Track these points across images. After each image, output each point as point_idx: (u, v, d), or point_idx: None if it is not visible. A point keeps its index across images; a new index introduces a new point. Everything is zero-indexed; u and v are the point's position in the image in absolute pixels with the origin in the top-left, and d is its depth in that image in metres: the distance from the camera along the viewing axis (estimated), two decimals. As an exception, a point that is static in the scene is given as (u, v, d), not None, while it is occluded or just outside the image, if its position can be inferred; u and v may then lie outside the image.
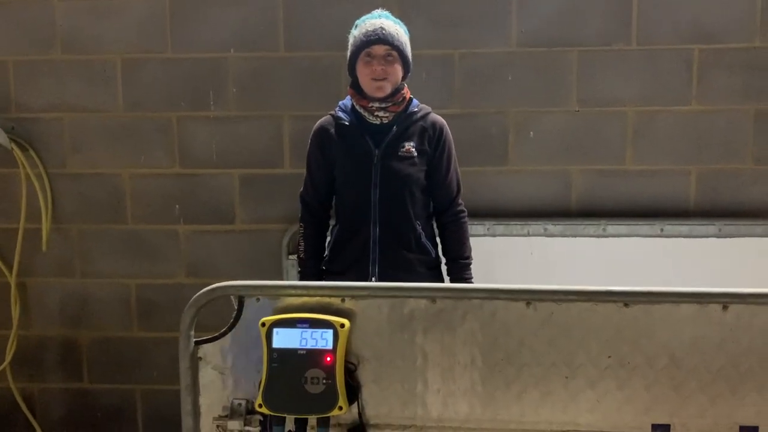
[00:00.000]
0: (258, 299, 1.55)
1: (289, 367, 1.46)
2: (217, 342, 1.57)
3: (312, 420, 1.49)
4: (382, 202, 2.17)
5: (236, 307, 1.57)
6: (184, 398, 1.57)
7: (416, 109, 2.23)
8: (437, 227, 2.31)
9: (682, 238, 2.65)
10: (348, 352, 1.50)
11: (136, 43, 2.80)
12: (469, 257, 2.29)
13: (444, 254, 2.31)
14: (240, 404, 1.56)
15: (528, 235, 2.65)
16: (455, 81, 2.75)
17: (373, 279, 2.20)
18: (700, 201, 2.76)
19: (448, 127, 2.28)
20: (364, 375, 1.53)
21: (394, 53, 2.15)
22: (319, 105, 2.76)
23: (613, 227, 2.68)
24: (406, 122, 2.20)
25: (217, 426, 1.56)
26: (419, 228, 2.22)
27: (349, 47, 2.20)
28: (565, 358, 1.48)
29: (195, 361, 1.57)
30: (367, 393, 1.53)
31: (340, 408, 1.45)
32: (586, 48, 2.72)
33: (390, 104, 2.17)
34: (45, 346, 2.98)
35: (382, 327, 1.52)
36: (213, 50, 2.79)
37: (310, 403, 1.45)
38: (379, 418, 1.54)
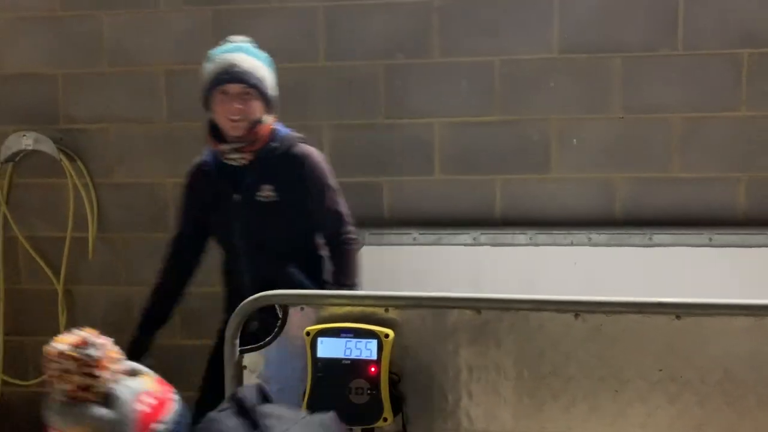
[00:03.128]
0: (302, 308, 1.56)
1: (333, 376, 1.45)
2: (261, 351, 1.57)
3: (356, 431, 1.48)
4: (249, 251, 2.06)
5: (280, 316, 1.58)
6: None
7: (276, 144, 2.05)
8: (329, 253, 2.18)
9: (733, 248, 2.57)
10: (391, 362, 1.49)
11: (180, 55, 2.86)
12: (352, 285, 2.09)
13: (330, 278, 2.16)
14: (285, 414, 1.56)
15: (571, 244, 2.60)
16: (496, 88, 2.73)
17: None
18: (750, 209, 2.68)
19: (316, 155, 2.12)
20: (408, 386, 1.52)
21: (252, 91, 2.01)
22: (357, 114, 2.79)
23: (659, 236, 2.61)
24: (265, 161, 2.04)
25: (262, 435, 1.56)
26: (296, 272, 2.08)
27: (202, 82, 2.04)
28: (613, 371, 1.44)
29: (240, 370, 1.58)
30: (410, 404, 1.52)
31: (385, 419, 1.44)
32: (630, 54, 2.68)
33: (243, 145, 2.01)
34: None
35: (426, 338, 1.51)
36: (254, 61, 2.82)
37: (354, 413, 1.44)
38: (423, 430, 1.52)
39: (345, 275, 2.10)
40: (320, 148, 2.82)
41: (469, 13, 2.71)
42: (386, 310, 1.52)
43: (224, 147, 2.01)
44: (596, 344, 1.44)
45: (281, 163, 2.04)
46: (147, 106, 2.90)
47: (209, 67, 2.02)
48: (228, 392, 1.57)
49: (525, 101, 2.72)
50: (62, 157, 2.87)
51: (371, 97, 2.76)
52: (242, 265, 2.07)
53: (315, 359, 1.47)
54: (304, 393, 1.49)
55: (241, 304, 1.57)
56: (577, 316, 1.44)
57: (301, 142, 2.12)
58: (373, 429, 1.47)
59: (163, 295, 2.22)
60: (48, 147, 2.80)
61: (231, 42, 2.08)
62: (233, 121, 1.97)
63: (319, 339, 1.48)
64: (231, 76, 1.96)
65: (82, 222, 2.94)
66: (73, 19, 2.87)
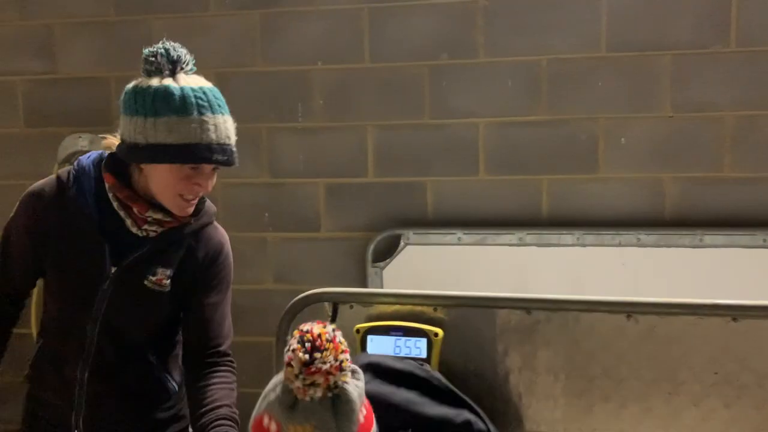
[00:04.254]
0: (351, 306, 1.58)
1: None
2: (312, 348, 1.60)
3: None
4: (101, 341, 1.49)
5: (330, 314, 1.60)
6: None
7: (192, 220, 1.51)
8: (192, 379, 1.57)
9: (788, 250, 2.50)
10: (440, 361, 1.50)
11: (229, 58, 2.91)
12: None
13: (203, 412, 1.50)
14: (334, 410, 1.58)
15: (620, 245, 2.56)
16: (542, 87, 2.71)
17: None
18: (806, 210, 2.60)
19: (229, 246, 1.63)
20: (456, 385, 1.52)
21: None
22: (401, 114, 2.80)
23: (710, 237, 2.55)
24: (168, 237, 1.49)
25: (311, 430, 1.59)
26: (157, 372, 1.59)
27: (152, 133, 1.37)
28: (667, 374, 1.43)
29: (290, 366, 1.61)
30: (459, 403, 1.53)
31: (435, 417, 1.45)
32: (681, 51, 2.62)
33: (175, 221, 1.48)
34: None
35: (475, 337, 1.52)
36: (301, 63, 2.86)
37: (404, 411, 1.45)
38: (472, 428, 1.53)
39: (234, 401, 1.57)
40: (364, 148, 2.88)
41: (515, 12, 2.70)
42: (435, 310, 1.53)
43: (158, 215, 1.46)
44: (649, 346, 1.42)
45: (188, 246, 1.53)
46: (197, 108, 2.96)
47: (186, 128, 1.36)
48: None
49: (572, 100, 2.69)
50: (116, 158, 2.95)
51: (416, 98, 2.77)
52: (87, 357, 1.50)
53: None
54: (354, 390, 1.52)
55: (293, 300, 1.60)
56: (629, 317, 1.43)
57: (213, 217, 1.60)
58: (422, 427, 1.48)
59: None
60: (100, 148, 2.89)
61: (184, 66, 1.43)
62: (188, 200, 1.45)
63: (369, 336, 1.50)
64: (227, 159, 1.41)
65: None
66: (125, 23, 2.96)
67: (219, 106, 1.43)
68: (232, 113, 3.03)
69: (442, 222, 2.78)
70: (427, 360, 1.46)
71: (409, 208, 2.82)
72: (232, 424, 1.49)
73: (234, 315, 3.02)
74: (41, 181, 1.54)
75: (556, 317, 1.46)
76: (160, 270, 1.50)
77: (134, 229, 1.47)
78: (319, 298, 1.58)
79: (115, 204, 1.46)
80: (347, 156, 2.88)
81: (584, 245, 2.56)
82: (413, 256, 2.72)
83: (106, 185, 1.47)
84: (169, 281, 1.51)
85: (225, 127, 1.42)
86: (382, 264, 2.78)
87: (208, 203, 1.59)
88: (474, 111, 2.74)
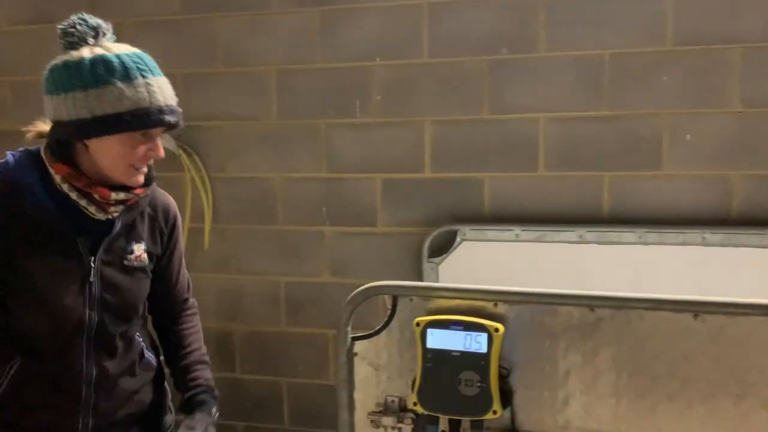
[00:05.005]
0: (411, 299, 1.60)
1: (443, 367, 1.48)
2: (372, 339, 1.63)
3: (465, 422, 1.51)
4: (100, 331, 1.48)
5: (390, 307, 1.62)
6: (340, 392, 1.64)
7: (147, 192, 1.52)
8: (164, 329, 1.71)
9: None
10: (500, 356, 1.50)
11: (290, 55, 2.97)
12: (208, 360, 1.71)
13: (180, 355, 1.68)
14: (393, 401, 1.61)
15: (683, 244, 2.50)
16: (604, 82, 2.66)
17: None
18: None
19: (175, 206, 1.64)
20: (517, 381, 1.53)
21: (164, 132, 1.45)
22: (460, 110, 2.80)
23: (779, 237, 2.46)
24: (131, 214, 1.50)
25: (371, 421, 1.62)
26: (140, 342, 1.61)
27: (97, 104, 1.33)
28: (736, 376, 1.39)
29: (351, 357, 1.64)
30: (519, 399, 1.53)
31: (494, 412, 1.45)
32: (751, 44, 2.53)
33: (136, 197, 1.47)
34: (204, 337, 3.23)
35: (537, 334, 1.51)
36: (359, 59, 2.89)
37: (464, 404, 1.46)
38: (531, 425, 1.53)
39: (202, 344, 1.73)
40: (421, 144, 2.88)
41: (577, 5, 2.66)
42: (495, 305, 1.53)
43: (121, 196, 1.43)
44: (717, 346, 1.39)
45: (148, 217, 1.56)
46: (258, 105, 3.03)
47: (132, 93, 1.34)
48: (340, 377, 1.64)
49: (635, 95, 2.63)
50: (181, 152, 3.06)
51: (474, 93, 2.77)
52: (90, 346, 1.48)
53: (425, 350, 1.50)
54: (413, 382, 1.54)
55: (354, 292, 1.63)
56: (696, 316, 1.39)
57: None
58: (481, 421, 1.49)
59: None
60: (169, 143, 2.98)
61: (105, 33, 1.41)
62: (139, 169, 1.43)
63: (429, 330, 1.51)
64: (176, 120, 1.40)
65: (199, 214, 3.12)
66: (191, 22, 3.05)
67: (156, 68, 1.41)
68: (292, 109, 3.11)
69: (499, 218, 2.77)
70: (487, 355, 1.46)
71: (466, 203, 2.82)
72: (207, 364, 1.70)
73: (291, 306, 3.13)
74: None
75: (620, 315, 1.44)
76: (135, 246, 1.51)
77: (100, 215, 1.43)
78: (380, 290, 1.60)
79: (73, 195, 1.39)
80: (404, 151, 2.90)
81: (646, 243, 2.50)
82: (469, 252, 2.72)
83: (57, 177, 1.39)
84: (146, 254, 1.53)
85: (168, 88, 1.41)
86: (437, 259, 2.79)
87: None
88: (534, 106, 2.71)
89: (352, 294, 1.62)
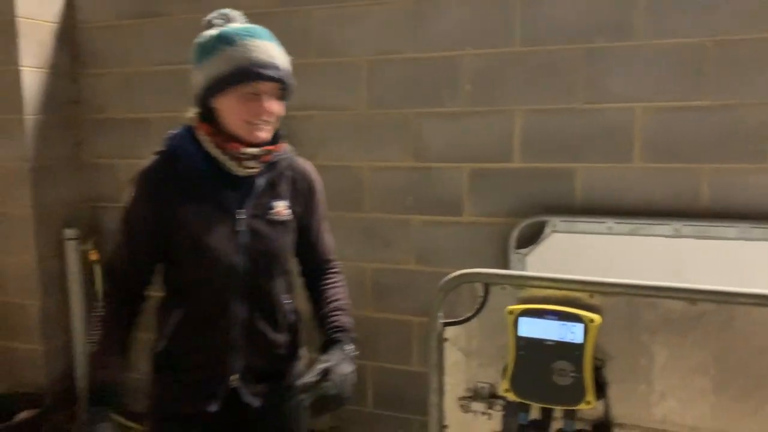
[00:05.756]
0: (503, 288, 1.60)
1: (536, 356, 1.48)
2: (463, 325, 1.64)
3: (557, 411, 1.50)
4: (248, 277, 1.64)
5: (482, 294, 1.63)
6: (430, 376, 1.67)
7: (285, 155, 1.72)
8: (311, 287, 1.85)
9: None
10: (596, 348, 1.49)
11: (381, 46, 3.01)
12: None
13: (322, 306, 1.79)
14: (483, 387, 1.62)
15: (791, 240, 2.37)
16: (706, 71, 2.55)
17: (234, 377, 1.68)
18: None
19: (316, 173, 1.82)
20: (611, 373, 1.51)
21: (280, 91, 1.62)
22: (552, 99, 2.75)
23: None
24: (273, 173, 1.68)
25: (461, 405, 1.64)
26: (286, 302, 1.76)
27: (217, 68, 1.55)
28: None
29: (441, 342, 1.66)
30: (613, 391, 1.50)
31: (588, 402, 1.44)
32: None
33: (267, 153, 1.64)
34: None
35: (634, 326, 1.48)
36: (450, 48, 2.90)
37: (557, 394, 1.46)
38: (625, 417, 1.50)
39: (346, 297, 1.83)
40: (511, 133, 2.86)
41: (678, -9, 2.56)
42: (591, 296, 1.51)
43: (252, 150, 1.60)
44: (831, 347, 1.32)
45: (290, 179, 1.73)
46: (349, 95, 3.09)
47: (231, 53, 1.55)
48: (431, 362, 1.67)
49: (740, 85, 2.51)
50: (274, 140, 3.16)
51: (568, 82, 2.71)
52: (241, 294, 1.65)
53: (517, 338, 1.51)
54: (505, 369, 1.54)
55: (446, 279, 1.65)
56: (808, 314, 1.33)
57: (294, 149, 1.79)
58: (574, 411, 1.48)
59: (112, 348, 1.62)
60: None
61: (235, 19, 1.64)
62: (257, 123, 1.59)
63: (522, 318, 1.51)
64: (272, 75, 1.56)
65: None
66: (287, 14, 3.14)
67: (266, 35, 1.60)
68: (381, 99, 3.15)
69: (591, 210, 2.71)
70: (582, 345, 1.45)
71: (557, 194, 2.78)
72: (346, 311, 1.79)
73: (377, 292, 3.18)
74: (145, 162, 1.65)
75: (724, 310, 1.40)
76: (277, 203, 1.68)
77: (240, 170, 1.61)
78: (474, 277, 1.61)
79: (215, 151, 1.60)
80: (493, 141, 2.88)
81: (749, 239, 2.39)
82: (559, 244, 2.69)
83: (204, 138, 1.61)
84: (288, 211, 1.70)
85: (271, 49, 1.58)
86: (524, 250, 2.77)
87: (286, 146, 1.73)
88: (631, 95, 2.64)
89: (445, 279, 1.64)
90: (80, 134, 3.62)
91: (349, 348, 1.73)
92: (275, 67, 1.57)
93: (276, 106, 1.62)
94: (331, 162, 3.16)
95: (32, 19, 3.34)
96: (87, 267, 3.56)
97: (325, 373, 1.59)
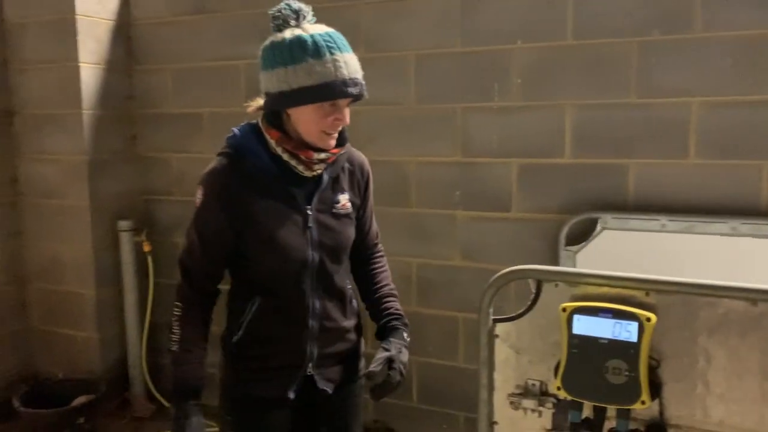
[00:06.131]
0: (556, 285, 1.58)
1: (589, 354, 1.47)
2: (514, 322, 1.63)
3: (610, 410, 1.48)
4: (319, 269, 1.71)
5: (533, 291, 1.62)
6: (481, 372, 1.67)
7: (344, 150, 1.76)
8: (359, 271, 1.91)
9: None
10: (651, 347, 1.46)
11: (430, 40, 3.00)
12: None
13: (373, 290, 1.87)
14: (534, 384, 1.61)
15: None
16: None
17: (310, 364, 1.75)
18: None
19: (369, 165, 1.87)
20: (667, 373, 1.48)
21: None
22: (604, 93, 2.70)
23: None
24: (334, 169, 1.74)
25: (511, 402, 1.63)
26: (349, 288, 1.83)
27: (301, 79, 1.54)
28: None
29: (492, 338, 1.66)
30: (668, 392, 1.48)
31: (643, 402, 1.42)
32: None
33: (334, 156, 1.70)
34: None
35: (690, 326, 1.45)
36: (500, 42, 2.87)
37: (610, 393, 1.44)
38: (681, 419, 1.47)
39: (391, 281, 1.92)
40: (561, 128, 2.82)
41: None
42: (647, 294, 1.49)
43: (322, 156, 1.65)
44: None
45: (348, 172, 1.78)
46: (396, 90, 3.09)
47: (322, 70, 1.54)
48: (481, 358, 1.67)
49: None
50: (322, 135, 3.18)
51: (621, 76, 2.66)
52: (312, 285, 1.71)
53: (570, 336, 1.49)
54: (557, 366, 1.53)
55: (497, 275, 1.64)
56: None
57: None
58: (628, 410, 1.46)
59: (193, 345, 1.69)
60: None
61: (306, 16, 1.64)
62: (330, 134, 1.64)
63: (576, 316, 1.49)
64: (359, 91, 1.58)
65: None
66: (336, 9, 3.15)
67: (345, 45, 1.61)
68: (429, 93, 3.14)
69: (644, 207, 2.65)
70: (637, 344, 1.42)
71: (608, 191, 2.73)
72: (396, 297, 1.88)
73: (422, 288, 3.18)
74: (212, 164, 1.67)
75: (788, 312, 1.35)
76: (340, 196, 1.74)
77: (307, 173, 1.67)
78: (525, 274, 1.60)
79: (285, 156, 1.64)
80: (543, 136, 2.85)
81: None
82: (610, 241, 2.64)
83: (272, 142, 1.64)
84: (349, 203, 1.76)
85: (353, 62, 1.60)
86: (574, 248, 2.73)
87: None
88: (686, 89, 2.57)
89: (496, 276, 1.63)
90: (134, 129, 3.72)
91: (406, 335, 1.81)
92: (360, 85, 1.59)
93: (344, 120, 1.64)
94: (378, 157, 3.16)
95: (90, 16, 3.45)
96: (140, 258, 3.66)
97: (390, 361, 1.68)
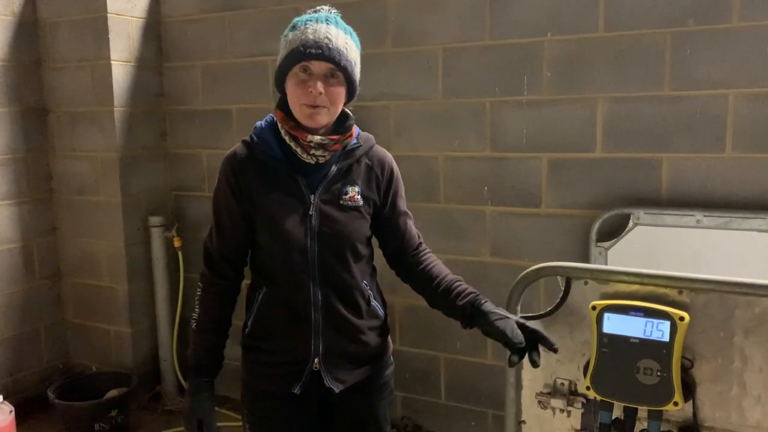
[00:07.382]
0: (586, 282, 1.55)
1: (620, 354, 1.43)
2: (542, 320, 1.60)
3: (641, 411, 1.45)
4: (321, 260, 1.65)
5: (563, 288, 1.58)
6: (508, 370, 1.64)
7: (359, 143, 1.71)
8: (411, 275, 1.81)
9: None
10: (684, 347, 1.42)
11: (457, 34, 2.97)
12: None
13: (436, 285, 1.75)
14: (563, 384, 1.58)
15: None
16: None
17: (317, 359, 1.68)
18: None
19: (395, 162, 1.79)
20: (701, 374, 1.44)
21: (340, 74, 1.58)
22: (637, 86, 2.64)
23: None
24: (347, 160, 1.69)
25: (539, 402, 1.61)
26: (367, 288, 1.75)
27: (281, 53, 1.61)
28: None
29: (520, 337, 1.62)
30: (702, 393, 1.44)
31: (676, 404, 1.38)
32: None
33: (333, 143, 1.63)
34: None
35: (726, 325, 1.41)
36: (529, 35, 2.82)
37: (642, 393, 1.41)
38: (716, 421, 1.43)
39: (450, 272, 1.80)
40: (593, 122, 2.76)
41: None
42: (680, 293, 1.44)
43: (317, 138, 1.60)
44: None
45: (365, 166, 1.72)
46: (424, 84, 3.06)
47: (290, 37, 1.59)
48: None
49: None
50: (349, 130, 3.17)
51: (654, 68, 2.59)
52: (314, 277, 1.66)
53: (600, 334, 1.46)
54: (586, 366, 1.50)
55: (526, 271, 1.61)
56: None
57: (373, 140, 1.79)
58: (660, 412, 1.42)
59: (210, 326, 1.75)
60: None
61: (322, 11, 1.64)
62: (312, 107, 1.58)
63: (606, 314, 1.46)
64: (322, 52, 1.54)
65: (364, 190, 3.23)
66: (363, 3, 3.14)
67: (322, 19, 1.59)
68: (457, 87, 3.09)
69: (678, 202, 2.59)
70: (670, 344, 1.38)
71: (641, 186, 2.67)
72: (463, 281, 1.76)
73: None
74: (232, 148, 1.72)
75: (830, 311, 1.30)
76: (349, 188, 1.68)
77: (304, 156, 1.63)
78: (554, 271, 1.57)
79: (286, 138, 1.63)
80: (574, 130, 2.79)
81: None
82: (643, 237, 2.58)
83: (279, 125, 1.65)
84: (360, 197, 1.69)
85: (324, 29, 1.57)
86: (606, 244, 2.68)
87: (365, 135, 1.75)
88: (723, 81, 2.49)
89: (525, 272, 1.61)
90: (164, 125, 3.77)
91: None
92: (322, 47, 1.54)
93: (332, 90, 1.58)
94: (407, 152, 3.15)
95: (121, 15, 3.49)
96: (171, 253, 3.71)
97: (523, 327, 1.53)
